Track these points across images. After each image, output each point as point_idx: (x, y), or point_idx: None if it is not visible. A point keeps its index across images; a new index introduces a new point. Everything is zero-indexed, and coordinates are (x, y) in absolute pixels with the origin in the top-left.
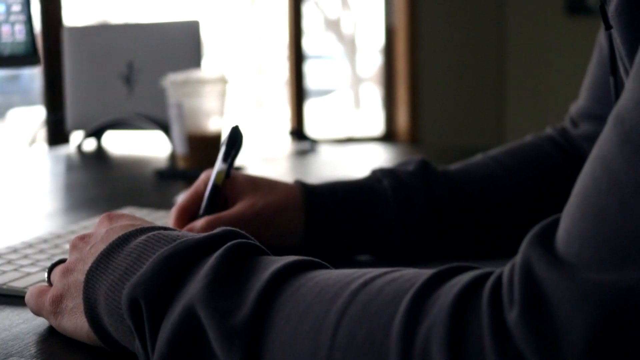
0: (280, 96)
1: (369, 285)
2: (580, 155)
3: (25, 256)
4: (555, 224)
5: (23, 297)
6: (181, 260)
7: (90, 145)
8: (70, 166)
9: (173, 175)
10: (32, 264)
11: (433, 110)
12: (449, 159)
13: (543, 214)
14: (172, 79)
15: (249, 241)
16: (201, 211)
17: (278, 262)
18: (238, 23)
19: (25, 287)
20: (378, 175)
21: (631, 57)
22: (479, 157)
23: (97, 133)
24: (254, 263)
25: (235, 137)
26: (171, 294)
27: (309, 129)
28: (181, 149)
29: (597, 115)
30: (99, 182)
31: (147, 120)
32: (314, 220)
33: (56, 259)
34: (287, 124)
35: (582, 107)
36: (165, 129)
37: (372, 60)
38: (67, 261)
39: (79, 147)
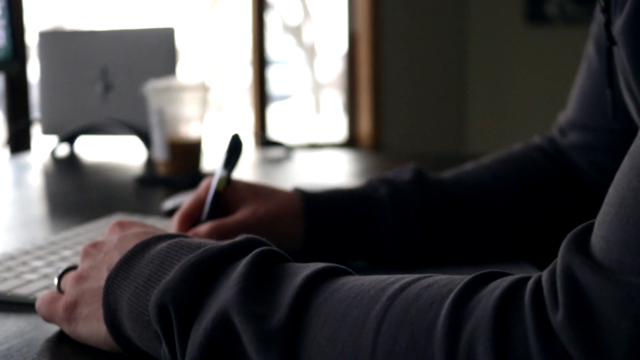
0: (241, 101)
1: (406, 290)
2: (569, 165)
3: (24, 263)
4: (588, 231)
5: (27, 305)
6: (208, 267)
7: (63, 151)
8: (46, 173)
9: (154, 181)
10: (32, 271)
11: (395, 116)
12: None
13: (532, 222)
14: (153, 86)
15: (273, 248)
16: (204, 217)
17: (306, 268)
18: (196, 28)
19: (31, 294)
20: (374, 183)
21: (638, 72)
22: (470, 166)
23: (70, 139)
24: (281, 269)
25: (236, 145)
26: (200, 299)
27: (272, 134)
28: (162, 156)
29: (586, 126)
30: (78, 190)
31: (122, 125)
32: (314, 227)
33: (59, 265)
34: (249, 129)
35: (570, 117)
36: (141, 134)
37: (332, 66)
38: (79, 268)
39: (53, 153)
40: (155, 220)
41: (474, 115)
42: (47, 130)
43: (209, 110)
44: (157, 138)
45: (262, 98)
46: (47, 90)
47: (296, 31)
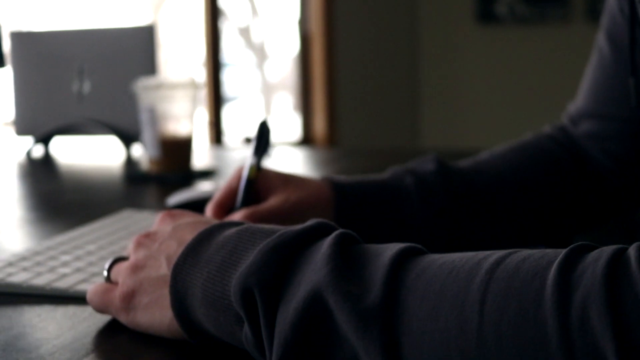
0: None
1: (503, 264)
2: (582, 153)
3: (52, 257)
4: None
5: (67, 298)
6: (288, 250)
7: (38, 151)
8: (26, 174)
9: (146, 179)
10: (64, 265)
11: (350, 115)
12: (367, 159)
13: (548, 208)
14: (143, 84)
15: (348, 231)
16: (237, 204)
17: (389, 248)
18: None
19: (70, 287)
20: (399, 173)
21: None
22: (485, 155)
23: (44, 139)
24: (361, 250)
25: (264, 131)
26: (283, 282)
27: (228, 135)
28: (153, 153)
29: (598, 115)
30: (67, 190)
31: (99, 125)
32: (344, 215)
33: (89, 259)
34: (205, 130)
35: (582, 107)
36: (119, 133)
37: (283, 67)
38: (132, 258)
39: (28, 153)
40: None
41: (426, 111)
42: (21, 131)
43: (198, 107)
44: (147, 136)
45: (216, 100)
46: (21, 91)
47: (245, 33)
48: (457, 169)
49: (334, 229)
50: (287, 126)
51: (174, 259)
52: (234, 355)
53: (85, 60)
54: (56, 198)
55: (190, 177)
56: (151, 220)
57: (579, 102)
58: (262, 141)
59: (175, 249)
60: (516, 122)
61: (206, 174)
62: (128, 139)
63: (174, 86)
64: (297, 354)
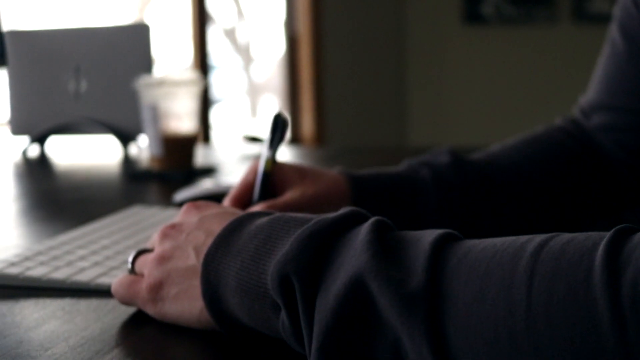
0: None
1: (547, 247)
2: (595, 145)
3: (69, 252)
4: None
5: (86, 291)
6: (324, 237)
7: (34, 151)
8: (23, 173)
9: (149, 177)
10: (81, 259)
11: (338, 115)
12: (356, 158)
13: (561, 199)
14: (146, 81)
15: (383, 218)
16: (255, 198)
17: (427, 234)
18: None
19: (91, 280)
20: (414, 166)
21: None
22: (497, 148)
23: (40, 139)
24: (398, 237)
25: (278, 124)
26: (322, 268)
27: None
28: (155, 151)
29: (611, 107)
30: (67, 189)
31: (96, 124)
32: (361, 207)
33: (106, 254)
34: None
35: (593, 99)
36: (116, 132)
37: (269, 68)
38: (158, 249)
39: (24, 153)
40: (174, 211)
41: (413, 111)
42: (17, 131)
43: (199, 104)
44: (150, 133)
45: (204, 102)
46: (17, 90)
47: (231, 34)
48: (471, 161)
49: (368, 217)
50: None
51: (204, 249)
52: (264, 346)
53: (81, 58)
54: (57, 197)
55: (192, 174)
56: (161, 216)
57: (590, 94)
58: (277, 134)
59: (203, 240)
60: (502, 121)
61: (208, 172)
62: (125, 138)
63: (176, 83)
64: (338, 339)
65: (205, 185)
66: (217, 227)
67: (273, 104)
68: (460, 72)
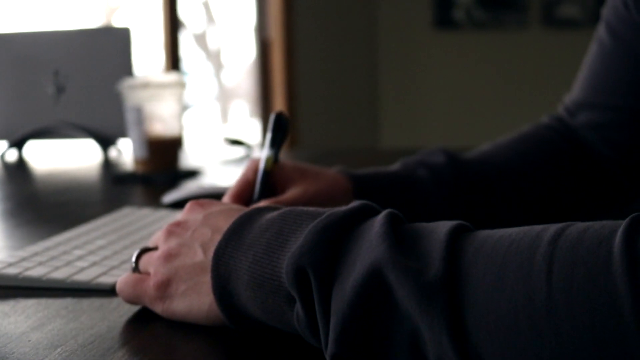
0: None
1: (564, 235)
2: (581, 142)
3: (65, 252)
4: None
5: (87, 290)
6: (338, 229)
7: (11, 156)
8: (3, 178)
9: (133, 180)
10: (79, 259)
11: (310, 119)
12: (330, 161)
13: (552, 197)
14: (130, 83)
15: (394, 211)
16: (255, 196)
17: (442, 225)
18: None
19: (92, 280)
20: (411, 165)
21: None
22: (490, 147)
23: (19, 143)
24: (411, 229)
25: (280, 123)
26: (337, 260)
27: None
28: (140, 153)
29: (596, 105)
30: (52, 193)
31: (76, 128)
32: None
33: (103, 253)
34: None
35: (579, 97)
36: (96, 136)
37: (240, 74)
38: (164, 247)
39: (2, 158)
40: (166, 212)
41: (386, 114)
42: None
43: (183, 107)
44: (134, 136)
45: None
46: None
47: (201, 39)
48: (466, 160)
49: (379, 210)
50: (245, 132)
51: (211, 245)
52: (272, 342)
53: (60, 62)
54: (39, 201)
55: (177, 177)
56: (153, 217)
57: (575, 93)
58: (278, 133)
59: (210, 236)
60: (473, 124)
61: (192, 174)
62: (105, 142)
63: (161, 85)
64: (355, 331)
65: (192, 187)
66: (223, 224)
67: (244, 109)
68: (432, 76)
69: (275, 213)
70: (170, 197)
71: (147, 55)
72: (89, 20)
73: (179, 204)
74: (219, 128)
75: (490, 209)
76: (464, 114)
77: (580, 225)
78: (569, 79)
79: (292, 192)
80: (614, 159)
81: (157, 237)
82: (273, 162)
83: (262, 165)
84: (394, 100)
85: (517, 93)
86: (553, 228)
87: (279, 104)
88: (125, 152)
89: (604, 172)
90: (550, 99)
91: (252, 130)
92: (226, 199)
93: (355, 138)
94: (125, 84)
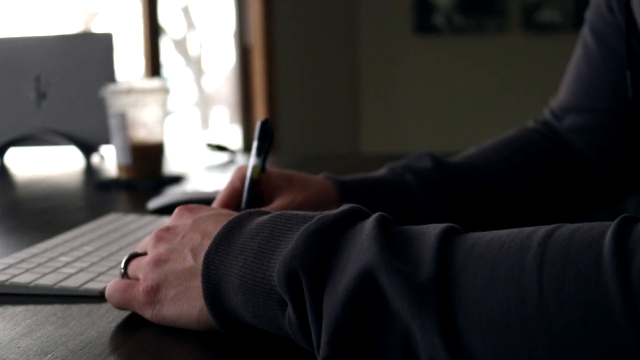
0: None
1: (554, 236)
2: (567, 146)
3: (51, 259)
4: None
5: (75, 296)
6: (329, 232)
7: None
8: None
9: (117, 186)
10: (66, 265)
11: (292, 124)
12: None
13: (536, 199)
14: (113, 89)
15: (384, 214)
16: (243, 205)
17: (432, 227)
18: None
19: (80, 286)
20: (398, 170)
21: None
22: (475, 150)
23: (0, 150)
24: (401, 231)
25: (266, 131)
26: (329, 263)
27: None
28: (123, 160)
29: (582, 108)
30: (35, 199)
31: (58, 135)
32: None
33: (90, 259)
34: None
35: (565, 101)
36: (78, 143)
37: (220, 80)
38: (153, 253)
39: None
40: (151, 218)
41: (366, 119)
42: None
43: (167, 112)
44: (117, 142)
45: None
46: None
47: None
48: (452, 164)
49: (368, 214)
50: (226, 138)
51: (201, 250)
52: (265, 345)
53: (41, 67)
54: (22, 208)
55: (161, 183)
56: (139, 223)
57: (561, 96)
58: (264, 141)
59: (199, 241)
60: (453, 128)
61: (176, 180)
62: (87, 148)
63: (144, 91)
64: (347, 333)
65: (176, 193)
66: (212, 228)
67: (224, 115)
68: (412, 81)
69: (265, 217)
70: (155, 203)
71: (127, 62)
72: (68, 26)
73: (164, 210)
74: (199, 134)
75: (477, 213)
76: (444, 118)
77: (569, 226)
78: (549, 83)
79: (279, 202)
80: (598, 162)
81: (145, 243)
82: (260, 171)
83: (249, 174)
84: (375, 105)
85: (497, 97)
86: (543, 229)
87: (259, 109)
88: (108, 159)
89: (589, 175)
90: (530, 103)
91: (233, 137)
92: (214, 207)
93: (336, 143)
94: (109, 90)
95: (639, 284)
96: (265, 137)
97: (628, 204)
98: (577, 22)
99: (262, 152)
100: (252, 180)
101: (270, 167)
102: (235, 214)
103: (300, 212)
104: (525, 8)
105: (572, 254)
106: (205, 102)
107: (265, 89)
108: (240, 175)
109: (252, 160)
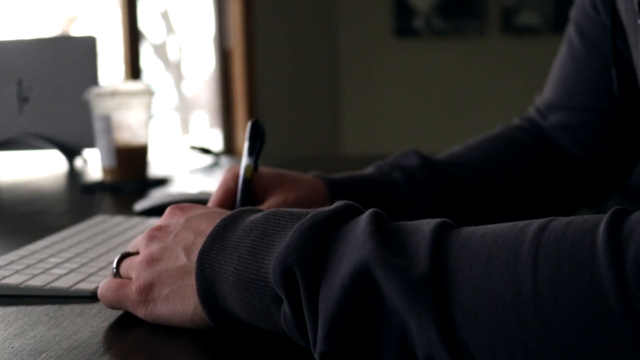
0: None
1: (547, 229)
2: (552, 143)
3: (41, 260)
4: None
5: (66, 297)
6: (324, 229)
7: None
8: None
9: (102, 189)
10: (56, 266)
11: (272, 128)
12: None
13: (522, 196)
14: (97, 91)
15: (378, 210)
16: (237, 205)
17: (426, 223)
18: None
19: (71, 287)
20: (385, 168)
21: None
22: (461, 148)
23: None
24: (395, 227)
25: (257, 131)
26: (324, 259)
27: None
28: (108, 162)
29: (567, 106)
30: (19, 203)
31: (41, 139)
32: None
33: (80, 260)
34: None
35: (550, 99)
36: (61, 147)
37: (200, 84)
38: (145, 251)
39: None
40: (139, 219)
41: (347, 122)
42: None
43: (152, 115)
44: (102, 145)
45: None
46: None
47: (160, 49)
48: (439, 161)
49: (362, 210)
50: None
51: (194, 248)
52: (260, 343)
53: (23, 71)
54: (6, 211)
55: (146, 185)
56: (127, 224)
57: (547, 94)
58: (255, 141)
59: (192, 239)
60: (433, 130)
61: (162, 182)
62: (71, 152)
63: (129, 93)
64: (344, 328)
65: (162, 195)
66: (205, 227)
67: (204, 119)
68: (393, 84)
69: (258, 215)
70: (142, 204)
71: (106, 67)
72: (46, 30)
73: (151, 212)
74: (179, 139)
75: (464, 210)
76: (424, 120)
77: (562, 219)
78: (528, 85)
79: (272, 200)
80: (583, 159)
81: (137, 242)
82: (252, 171)
83: (242, 174)
84: (355, 108)
85: (477, 99)
86: (536, 223)
87: (240, 113)
88: (91, 162)
89: (573, 173)
90: (509, 105)
91: (213, 141)
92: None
93: (317, 146)
94: (93, 92)
95: (633, 275)
96: (256, 136)
97: (610, 202)
98: (556, 26)
99: (254, 152)
100: (245, 179)
101: (261, 167)
102: (228, 212)
103: (294, 210)
104: (504, 11)
105: (566, 246)
106: (185, 107)
107: (246, 92)
108: (233, 175)
109: (245, 160)
